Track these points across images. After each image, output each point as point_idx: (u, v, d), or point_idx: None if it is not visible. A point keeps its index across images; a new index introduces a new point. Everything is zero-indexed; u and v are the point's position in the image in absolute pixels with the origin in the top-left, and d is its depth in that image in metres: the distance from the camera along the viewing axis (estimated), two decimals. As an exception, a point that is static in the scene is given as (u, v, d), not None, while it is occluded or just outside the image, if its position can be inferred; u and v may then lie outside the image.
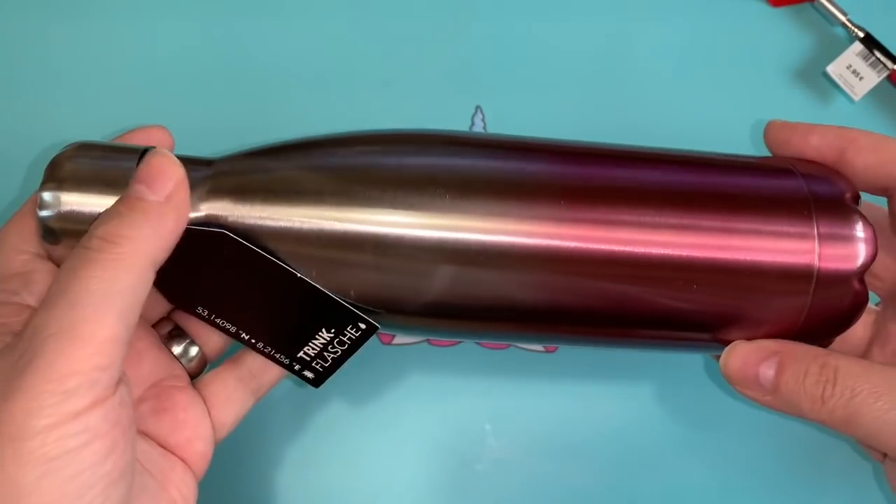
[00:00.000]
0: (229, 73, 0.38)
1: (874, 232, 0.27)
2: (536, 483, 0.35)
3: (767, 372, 0.27)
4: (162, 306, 0.30)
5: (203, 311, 0.28)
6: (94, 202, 0.25)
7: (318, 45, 0.39)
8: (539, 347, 0.37)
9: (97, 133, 0.29)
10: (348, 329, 0.27)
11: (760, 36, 0.41)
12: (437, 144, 0.27)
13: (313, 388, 0.30)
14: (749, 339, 0.27)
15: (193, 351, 0.30)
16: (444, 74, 0.39)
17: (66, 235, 0.25)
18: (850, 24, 0.39)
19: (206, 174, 0.26)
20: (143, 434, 0.27)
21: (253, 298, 0.27)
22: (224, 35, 0.39)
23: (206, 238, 0.25)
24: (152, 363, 0.29)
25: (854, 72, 0.38)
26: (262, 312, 0.28)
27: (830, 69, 0.39)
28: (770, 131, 0.30)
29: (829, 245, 0.26)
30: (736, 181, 0.28)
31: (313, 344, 0.28)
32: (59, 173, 0.25)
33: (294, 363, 0.29)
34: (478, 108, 0.39)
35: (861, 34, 0.39)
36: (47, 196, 0.25)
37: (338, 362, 0.29)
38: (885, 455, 0.30)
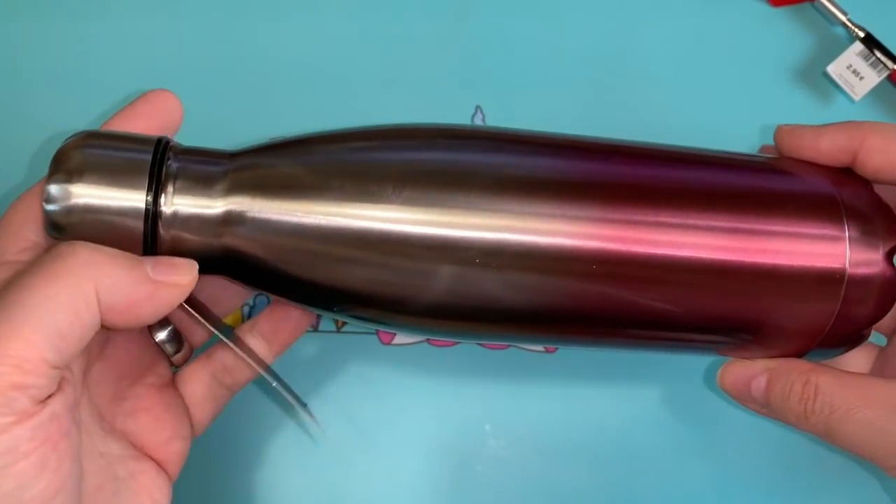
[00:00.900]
0: (229, 72, 0.38)
1: None
2: (536, 483, 0.35)
3: (758, 388, 0.28)
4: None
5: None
6: (106, 196, 0.23)
7: (318, 45, 0.39)
8: (539, 348, 0.37)
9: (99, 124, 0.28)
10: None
11: (760, 36, 0.41)
12: (480, 140, 0.27)
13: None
14: (780, 342, 0.27)
15: (177, 341, 0.29)
16: (444, 74, 0.39)
17: (72, 230, 0.23)
18: (850, 24, 0.39)
19: (227, 168, 0.25)
20: (121, 434, 0.26)
21: None
22: (225, 33, 0.39)
23: None
24: (135, 355, 0.28)
25: (854, 72, 0.38)
26: None
27: (831, 69, 0.39)
28: (779, 137, 0.29)
29: (858, 249, 0.26)
30: (768, 183, 0.27)
31: None
32: (69, 164, 0.23)
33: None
34: (478, 107, 0.39)
35: (861, 34, 0.39)
36: (55, 189, 0.23)
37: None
38: None
